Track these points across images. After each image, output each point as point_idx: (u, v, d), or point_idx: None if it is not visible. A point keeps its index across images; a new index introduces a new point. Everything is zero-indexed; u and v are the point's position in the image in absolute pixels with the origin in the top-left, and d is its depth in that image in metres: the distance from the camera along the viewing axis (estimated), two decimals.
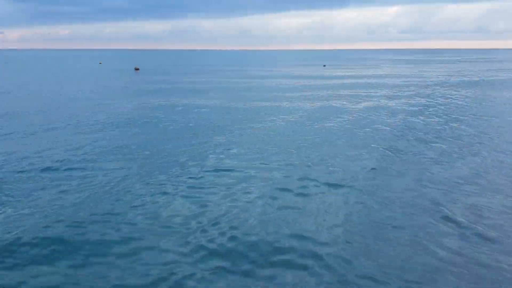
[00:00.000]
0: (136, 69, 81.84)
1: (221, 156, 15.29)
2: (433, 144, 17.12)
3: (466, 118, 23.17)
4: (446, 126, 20.82)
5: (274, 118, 23.21)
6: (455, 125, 21.22)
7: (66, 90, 39.72)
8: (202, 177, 13.08)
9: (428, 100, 31.43)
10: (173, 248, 8.71)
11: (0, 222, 9.71)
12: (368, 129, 20.06)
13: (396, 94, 35.63)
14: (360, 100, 30.97)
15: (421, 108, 27.20)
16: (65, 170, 13.66)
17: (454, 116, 23.68)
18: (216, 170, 13.58)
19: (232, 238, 9.10)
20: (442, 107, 27.44)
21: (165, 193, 11.65)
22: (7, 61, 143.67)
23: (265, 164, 14.33)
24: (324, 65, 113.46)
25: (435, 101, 30.54)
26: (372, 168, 13.74)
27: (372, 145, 16.84)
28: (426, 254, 8.35)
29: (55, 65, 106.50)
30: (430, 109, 26.48)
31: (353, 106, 27.77)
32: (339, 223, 9.76)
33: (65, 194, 11.49)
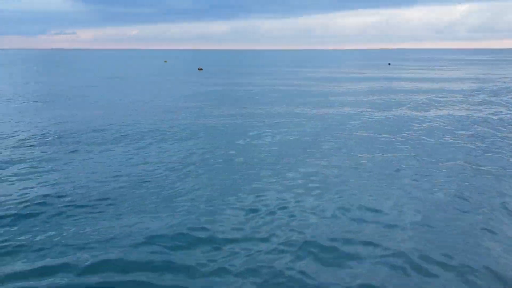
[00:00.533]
0: (200, 69, 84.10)
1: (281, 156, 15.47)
2: (503, 157, 16.19)
3: None
4: None
5: (334, 126, 22.95)
6: None
7: (135, 88, 41.64)
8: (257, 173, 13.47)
9: (497, 107, 29.70)
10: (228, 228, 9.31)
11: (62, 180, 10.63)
12: (434, 140, 19.30)
13: (463, 99, 33.93)
14: (426, 107, 29.69)
15: (490, 116, 25.74)
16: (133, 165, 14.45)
17: None
18: (276, 170, 13.78)
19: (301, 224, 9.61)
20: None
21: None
22: (81, 60, 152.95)
23: (332, 165, 14.30)
24: (389, 63, 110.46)
25: (505, 109, 28.80)
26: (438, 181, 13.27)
27: (439, 157, 16.21)
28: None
29: (124, 64, 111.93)
30: (502, 117, 25.00)
31: (421, 114, 26.56)
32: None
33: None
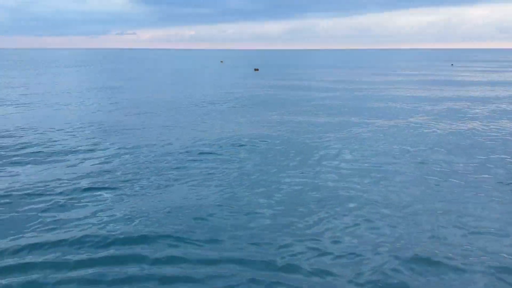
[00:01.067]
0: (256, 70, 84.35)
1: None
2: None
3: None
4: None
5: (393, 139, 21.92)
6: None
7: (191, 88, 42.24)
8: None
9: None
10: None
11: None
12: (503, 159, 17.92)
13: None
14: (497, 117, 27.83)
15: None
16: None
17: None
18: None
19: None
20: None
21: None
22: (140, 59, 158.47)
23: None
24: (452, 64, 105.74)
25: None
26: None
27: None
28: None
29: (180, 64, 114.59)
30: None
31: (492, 128, 24.84)
32: None
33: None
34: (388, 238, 9.80)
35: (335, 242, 9.57)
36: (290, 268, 8.46)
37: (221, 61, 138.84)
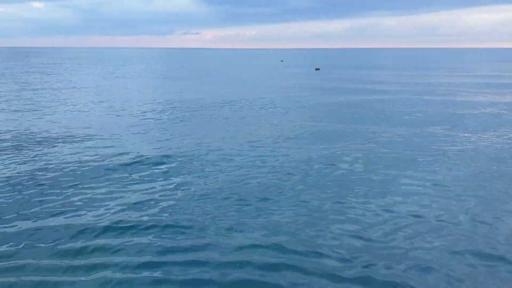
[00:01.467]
0: (317, 69, 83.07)
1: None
2: None
3: None
4: None
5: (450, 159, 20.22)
6: None
7: (246, 89, 42.13)
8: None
9: None
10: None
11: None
12: None
13: None
14: None
15: None
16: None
17: None
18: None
19: None
20: None
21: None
22: (204, 59, 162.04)
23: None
24: None
25: None
26: None
27: None
28: None
29: (241, 63, 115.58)
30: None
31: None
32: None
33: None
34: (463, 243, 9.10)
35: (405, 249, 8.87)
36: (364, 274, 7.92)
37: (281, 61, 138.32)
